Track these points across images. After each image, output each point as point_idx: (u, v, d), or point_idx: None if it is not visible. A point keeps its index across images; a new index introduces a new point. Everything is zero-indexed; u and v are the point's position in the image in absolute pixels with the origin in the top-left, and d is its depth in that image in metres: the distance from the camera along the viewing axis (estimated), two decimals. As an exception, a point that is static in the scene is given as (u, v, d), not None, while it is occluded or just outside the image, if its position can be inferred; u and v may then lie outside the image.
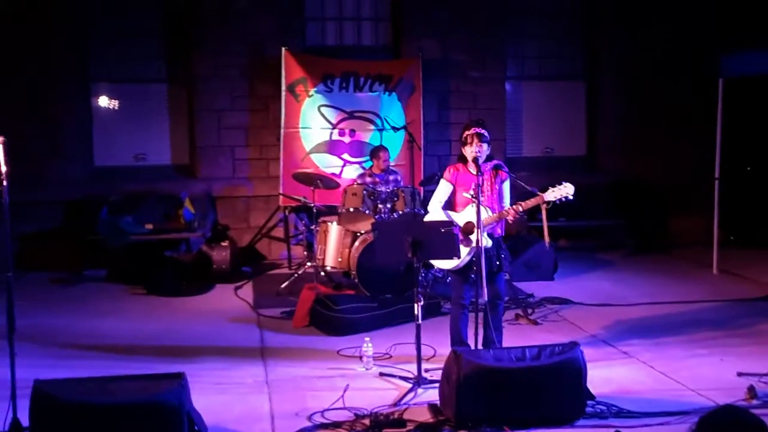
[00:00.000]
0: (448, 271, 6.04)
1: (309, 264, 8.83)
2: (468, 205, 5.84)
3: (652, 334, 6.89)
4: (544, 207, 5.79)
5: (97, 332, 7.17)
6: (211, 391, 5.48)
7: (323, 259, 8.43)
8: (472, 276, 5.77)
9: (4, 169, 4.65)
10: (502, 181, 5.95)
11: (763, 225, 10.79)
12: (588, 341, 6.65)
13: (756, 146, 11.37)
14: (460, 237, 5.73)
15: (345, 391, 5.34)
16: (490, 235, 5.80)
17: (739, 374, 5.69)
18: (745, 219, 11.13)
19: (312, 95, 10.15)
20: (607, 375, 5.75)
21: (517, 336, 6.76)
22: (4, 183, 4.64)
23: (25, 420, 4.48)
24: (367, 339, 6.12)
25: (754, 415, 2.86)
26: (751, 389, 5.30)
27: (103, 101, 10.56)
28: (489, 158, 5.95)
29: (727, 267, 9.50)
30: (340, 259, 8.33)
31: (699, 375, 5.79)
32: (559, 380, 4.86)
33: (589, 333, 6.99)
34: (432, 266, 6.63)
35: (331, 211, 9.07)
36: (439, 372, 5.19)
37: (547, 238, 5.92)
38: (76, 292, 8.79)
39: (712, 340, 6.71)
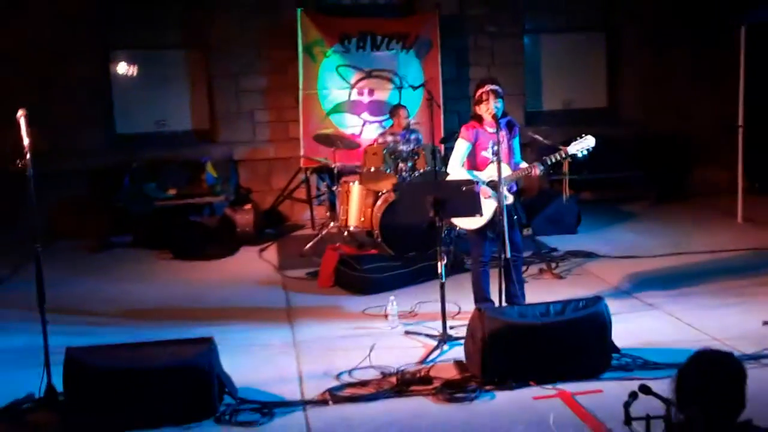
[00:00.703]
0: (468, 230, 6.04)
1: (332, 224, 8.87)
2: (488, 163, 5.82)
3: (677, 285, 6.89)
4: (566, 161, 5.79)
5: (126, 298, 7.28)
6: (240, 354, 5.56)
7: (346, 219, 8.47)
8: (490, 233, 5.80)
9: (26, 141, 4.68)
10: (514, 137, 5.94)
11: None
12: (612, 294, 6.67)
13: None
14: (488, 193, 5.73)
15: (371, 349, 5.40)
16: (508, 191, 5.80)
17: (765, 323, 5.68)
18: (769, 166, 11.01)
19: (329, 56, 10.11)
20: (632, 327, 5.76)
21: (541, 290, 6.78)
22: (27, 156, 4.68)
23: (59, 386, 4.59)
24: (392, 298, 6.18)
25: (730, 355, 2.85)
26: (776, 337, 5.31)
27: (122, 68, 10.58)
28: (504, 114, 5.92)
29: (751, 215, 9.42)
30: (362, 219, 8.37)
31: (725, 325, 5.79)
32: (584, 335, 4.88)
33: (613, 285, 7.00)
34: (454, 225, 6.62)
35: (352, 171, 9.08)
36: (464, 329, 5.22)
37: (566, 193, 5.92)
38: (103, 259, 8.90)
39: (737, 289, 6.69)
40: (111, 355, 4.43)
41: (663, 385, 4.55)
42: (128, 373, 4.36)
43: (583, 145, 5.76)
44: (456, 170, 5.98)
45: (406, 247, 7.74)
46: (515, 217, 5.89)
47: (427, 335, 5.76)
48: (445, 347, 5.51)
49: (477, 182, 5.66)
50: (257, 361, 5.50)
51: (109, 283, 7.81)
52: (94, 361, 4.39)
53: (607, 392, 4.69)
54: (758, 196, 10.35)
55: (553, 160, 5.82)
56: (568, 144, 5.85)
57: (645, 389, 4.00)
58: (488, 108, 5.78)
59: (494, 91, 5.79)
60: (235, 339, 5.88)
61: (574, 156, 5.86)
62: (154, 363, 4.38)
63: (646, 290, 6.75)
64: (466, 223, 6.00)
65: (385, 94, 10.28)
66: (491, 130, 5.79)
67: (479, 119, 5.92)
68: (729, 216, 9.53)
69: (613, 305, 5.71)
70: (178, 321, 6.43)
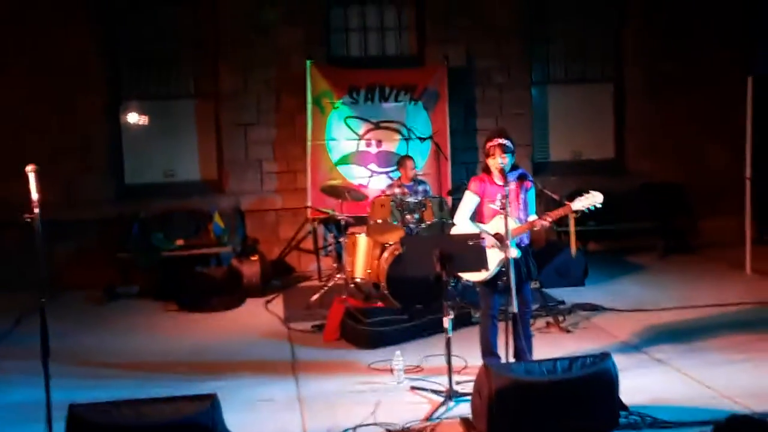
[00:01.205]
0: (476, 282, 6.02)
1: (338, 276, 8.86)
2: (495, 216, 5.83)
3: (686, 339, 6.84)
4: (572, 216, 5.78)
5: (131, 350, 7.26)
6: (244, 409, 5.52)
7: (352, 271, 8.45)
8: (500, 285, 5.78)
9: (36, 196, 4.70)
10: (527, 190, 5.93)
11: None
12: (620, 348, 6.61)
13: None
14: (493, 244, 5.72)
15: (376, 406, 5.34)
16: (517, 245, 5.78)
17: (775, 380, 5.62)
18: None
19: (338, 107, 10.19)
20: (640, 383, 5.70)
21: (548, 344, 6.73)
22: (36, 210, 4.70)
23: (61, 443, 4.55)
24: (397, 352, 6.13)
25: (762, 421, 2.82)
26: (787, 396, 5.24)
27: (133, 118, 10.66)
28: (514, 167, 5.93)
29: (760, 267, 9.39)
30: (369, 271, 8.35)
31: (734, 382, 5.72)
32: (592, 392, 4.83)
33: (621, 340, 6.94)
34: (461, 276, 6.59)
35: (359, 222, 9.10)
36: (471, 384, 5.18)
37: (573, 248, 5.93)
38: (109, 310, 8.89)
39: (746, 344, 6.63)
40: (113, 413, 4.38)
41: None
42: (131, 430, 4.32)
43: (589, 202, 5.73)
44: (463, 222, 5.98)
45: (412, 299, 7.71)
46: (525, 270, 5.87)
47: (433, 391, 5.71)
48: (451, 403, 5.45)
49: (483, 237, 5.65)
50: (261, 416, 5.45)
51: (114, 336, 7.79)
52: (96, 419, 4.35)
53: (615, 452, 4.64)
54: (766, 247, 10.32)
55: (557, 217, 5.79)
56: (573, 198, 5.83)
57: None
58: (495, 162, 5.80)
59: (502, 146, 5.80)
60: (240, 394, 5.85)
61: (579, 211, 5.83)
62: (157, 420, 4.34)
63: (654, 345, 6.70)
64: (471, 276, 5.98)
65: (393, 145, 10.33)
66: (499, 183, 5.80)
67: (489, 171, 5.93)
68: (737, 268, 9.49)
69: (620, 361, 5.66)
70: (183, 375, 6.40)
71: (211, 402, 4.46)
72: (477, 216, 6.00)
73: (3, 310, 8.41)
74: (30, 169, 4.74)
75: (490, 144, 5.83)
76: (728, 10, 11.17)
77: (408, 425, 5.06)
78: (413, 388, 5.87)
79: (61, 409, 4.55)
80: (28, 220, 4.77)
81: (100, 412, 4.41)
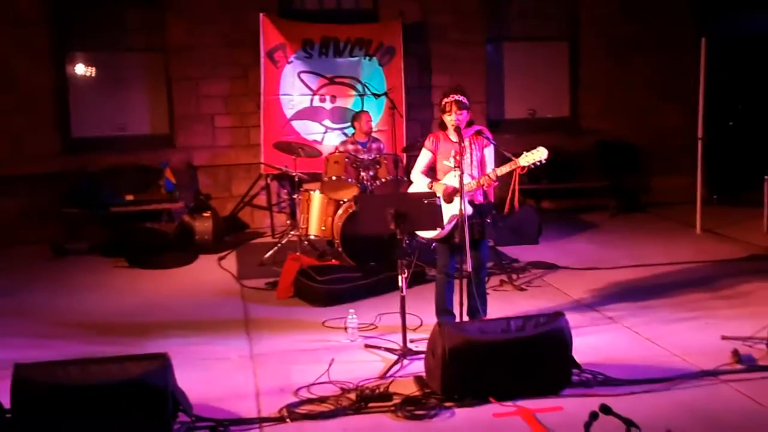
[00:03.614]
0: (431, 239, 5.99)
1: (292, 233, 8.77)
2: (449, 172, 5.78)
3: (637, 297, 6.90)
4: (517, 172, 5.74)
5: (80, 308, 7.10)
6: (196, 368, 5.44)
7: (306, 228, 8.37)
8: (456, 243, 5.75)
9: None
10: (484, 148, 5.87)
11: (746, 183, 10.79)
12: (573, 307, 6.66)
13: (738, 105, 11.42)
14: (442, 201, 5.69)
15: (330, 364, 5.30)
16: (470, 203, 5.74)
17: (723, 338, 5.69)
18: (727, 178, 11.15)
19: (292, 61, 10.00)
20: (592, 342, 5.75)
21: (502, 303, 6.75)
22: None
23: (7, 402, 4.43)
24: (351, 310, 6.08)
25: None
26: (735, 353, 5.32)
27: (80, 71, 10.36)
28: (469, 123, 5.86)
29: (710, 226, 9.53)
30: (323, 228, 8.28)
31: (684, 340, 5.79)
32: (545, 351, 4.85)
33: (574, 298, 6.98)
34: (416, 234, 6.54)
35: (313, 178, 8.99)
36: (425, 342, 5.16)
37: (508, 206, 5.86)
38: (57, 267, 8.68)
39: (696, 302, 6.73)
40: (60, 372, 4.27)
41: (622, 403, 4.60)
42: (78, 390, 4.22)
43: (534, 158, 5.68)
44: (417, 179, 5.93)
45: (367, 257, 7.68)
46: (479, 228, 5.83)
47: (387, 349, 5.69)
48: (406, 362, 5.44)
49: (438, 196, 5.60)
50: (214, 375, 5.38)
51: (63, 293, 7.60)
52: (42, 378, 4.24)
53: (567, 409, 4.65)
54: (716, 207, 10.50)
55: (504, 172, 5.75)
56: (520, 155, 5.78)
57: (605, 409, 3.99)
58: (451, 118, 5.74)
59: (458, 102, 5.74)
60: (192, 352, 5.76)
61: (525, 167, 5.77)
62: (105, 380, 4.24)
63: (606, 303, 6.75)
64: (425, 233, 5.94)
65: (347, 101, 10.20)
66: (454, 139, 5.74)
67: (444, 127, 5.87)
68: (688, 227, 9.60)
69: (573, 319, 5.71)
70: (133, 334, 6.28)
71: (162, 361, 4.37)
72: (432, 174, 5.94)
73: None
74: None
75: (446, 100, 5.76)
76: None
77: (362, 383, 5.02)
78: (367, 346, 5.85)
79: (7, 368, 4.42)
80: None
81: (46, 371, 4.30)
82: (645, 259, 8.21)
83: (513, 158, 5.72)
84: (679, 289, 7.09)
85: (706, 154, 9.48)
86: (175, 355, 5.13)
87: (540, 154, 5.67)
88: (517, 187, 5.81)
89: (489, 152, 5.90)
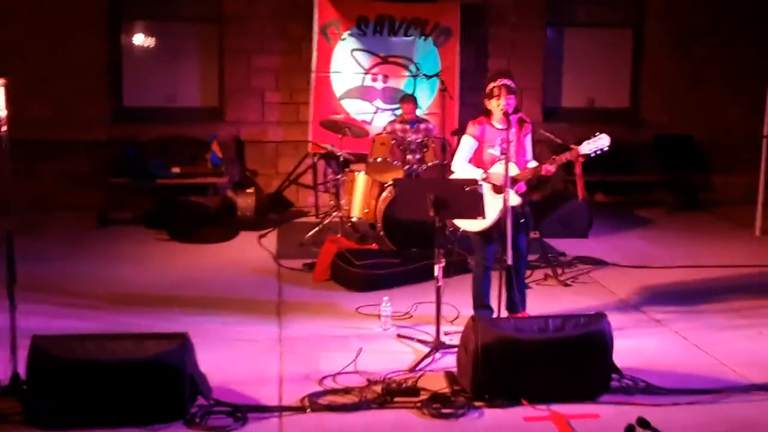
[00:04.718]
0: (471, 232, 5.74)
1: (335, 214, 8.60)
2: (495, 162, 5.52)
3: (688, 300, 6.56)
4: (579, 161, 5.49)
5: (115, 279, 7.03)
6: (222, 348, 5.32)
7: (349, 210, 8.20)
8: (495, 234, 5.52)
9: (3, 113, 4.41)
10: (526, 135, 5.63)
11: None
12: (619, 307, 6.37)
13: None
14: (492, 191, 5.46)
15: (358, 354, 5.11)
16: (515, 192, 5.48)
17: (778, 350, 5.36)
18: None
19: (345, 38, 9.79)
20: (636, 345, 5.45)
21: (544, 298, 6.49)
22: (3, 128, 4.40)
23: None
24: (385, 298, 5.88)
25: None
26: (790, 368, 4.99)
27: (133, 40, 10.31)
28: (516, 110, 5.61)
29: (770, 229, 9.10)
30: (366, 210, 8.10)
31: (736, 349, 5.46)
32: (583, 354, 4.58)
33: (620, 297, 6.67)
34: (458, 226, 6.30)
35: (360, 159, 8.79)
36: (459, 337, 4.94)
37: (581, 193, 5.66)
38: (99, 236, 8.66)
39: (752, 310, 6.34)
40: (77, 346, 4.16)
41: (663, 414, 4.33)
42: (93, 366, 4.10)
43: (596, 145, 5.43)
44: (461, 167, 5.68)
45: (409, 242, 7.46)
46: (522, 220, 5.59)
47: (420, 341, 5.48)
48: (438, 355, 5.22)
49: (481, 183, 5.36)
50: (239, 357, 5.24)
51: (100, 263, 7.54)
52: (59, 351, 4.13)
53: (603, 417, 4.39)
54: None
55: (564, 161, 5.51)
56: (581, 143, 5.52)
57: (643, 423, 3.74)
58: (499, 104, 5.49)
59: (507, 87, 5.48)
60: (220, 331, 5.66)
61: (586, 156, 5.52)
62: (121, 357, 4.11)
63: (654, 305, 6.42)
64: (468, 225, 5.70)
65: (400, 81, 9.95)
66: (500, 126, 5.49)
67: (488, 114, 5.62)
68: (747, 228, 9.17)
69: (618, 319, 5.46)
70: (164, 309, 6.18)
71: (181, 342, 4.23)
72: (475, 162, 5.68)
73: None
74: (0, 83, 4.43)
75: (493, 84, 5.50)
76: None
77: (390, 375, 4.83)
78: (399, 336, 5.65)
79: (29, 338, 4.32)
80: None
81: (63, 344, 4.19)
82: (700, 260, 7.84)
83: (573, 146, 5.45)
84: (734, 295, 6.73)
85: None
86: (203, 334, 5.12)
87: (602, 141, 5.40)
88: (581, 175, 5.56)
89: (529, 139, 5.65)
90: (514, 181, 5.38)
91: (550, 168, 5.47)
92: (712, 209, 10.42)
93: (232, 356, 5.23)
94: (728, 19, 10.76)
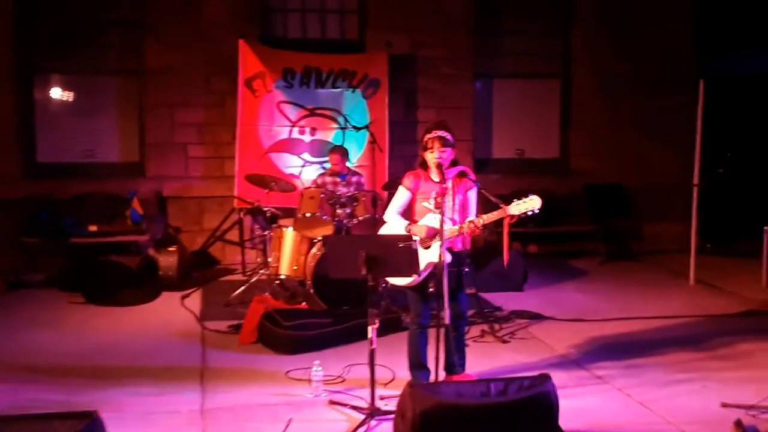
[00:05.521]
0: (404, 286, 5.47)
1: (262, 271, 8.24)
2: (427, 215, 5.29)
3: (628, 354, 6.37)
4: (507, 221, 5.26)
5: (26, 347, 6.54)
6: (139, 423, 4.91)
7: (278, 267, 7.86)
8: (431, 290, 5.25)
9: None
10: (467, 190, 5.39)
11: (740, 232, 10.36)
12: (559, 363, 6.15)
13: (730, 149, 11.09)
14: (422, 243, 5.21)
15: (287, 425, 4.75)
16: (448, 250, 5.23)
17: (724, 405, 5.18)
18: (720, 226, 10.73)
19: (271, 90, 9.53)
20: (580, 405, 5.22)
21: (482, 356, 6.23)
22: None
23: None
24: (316, 362, 5.54)
25: None
26: (738, 424, 4.77)
27: (48, 93, 9.86)
28: (453, 163, 5.40)
29: (704, 277, 9.06)
30: (295, 267, 7.78)
31: (679, 405, 5.27)
32: (528, 418, 4.31)
33: (560, 353, 6.45)
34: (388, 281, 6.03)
35: (288, 214, 8.47)
36: (397, 400, 4.62)
37: (505, 256, 5.41)
38: (7, 300, 8.12)
39: (691, 362, 6.20)
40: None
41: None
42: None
43: (526, 206, 5.20)
44: (392, 219, 5.44)
45: (341, 300, 7.16)
46: (458, 278, 5.35)
47: (354, 407, 5.14)
48: (373, 422, 4.89)
49: (415, 239, 5.10)
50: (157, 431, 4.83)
51: (9, 329, 7.03)
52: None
53: (551, 487, 4.13)
54: (710, 257, 10.06)
55: (492, 221, 5.28)
56: (510, 202, 5.29)
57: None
58: (433, 156, 5.28)
59: (441, 138, 5.27)
60: (139, 403, 5.25)
61: (515, 217, 5.29)
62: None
63: (594, 360, 6.21)
64: (400, 280, 5.43)
65: (328, 133, 9.73)
66: (436, 179, 5.27)
67: (425, 166, 5.40)
68: (681, 277, 9.13)
69: (559, 377, 5.24)
70: (78, 377, 5.74)
71: (90, 421, 3.82)
72: (409, 215, 5.45)
73: None
74: None
75: (428, 136, 5.29)
76: (679, 13, 10.88)
77: (322, 448, 4.49)
78: (332, 402, 5.30)
79: None
80: None
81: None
82: (636, 311, 7.71)
83: (502, 205, 5.22)
84: (673, 347, 6.58)
85: (700, 202, 9.03)
86: (122, 407, 4.83)
87: (533, 203, 5.18)
88: (507, 237, 5.32)
89: (472, 195, 5.42)
90: (439, 235, 5.09)
91: (474, 227, 5.23)
92: (645, 258, 10.39)
93: (150, 430, 4.80)
94: (649, 65, 10.88)
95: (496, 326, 7.07)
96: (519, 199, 5.20)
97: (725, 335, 6.91)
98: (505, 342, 6.77)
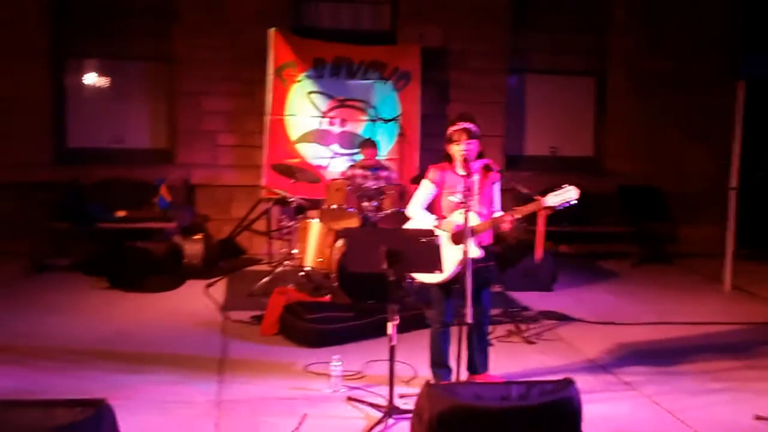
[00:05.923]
0: (428, 284, 5.33)
1: (287, 262, 8.14)
2: (455, 210, 5.14)
3: (658, 361, 6.17)
4: (543, 213, 5.09)
5: (46, 332, 6.49)
6: (154, 411, 4.83)
7: (303, 259, 7.75)
8: (454, 289, 5.10)
9: None
10: (493, 183, 5.24)
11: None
12: (586, 367, 5.96)
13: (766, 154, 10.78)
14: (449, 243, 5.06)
15: (302, 421, 4.64)
16: (477, 244, 5.08)
17: (757, 417, 4.98)
18: (759, 231, 10.43)
19: (301, 80, 9.41)
20: (606, 411, 5.05)
21: (507, 356, 6.07)
22: None
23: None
24: (336, 357, 5.42)
25: None
26: (770, 438, 4.61)
27: (80, 79, 9.84)
28: (479, 155, 5.24)
29: (740, 283, 8.78)
30: (320, 259, 7.66)
31: (710, 415, 5.07)
32: (550, 424, 4.14)
33: (588, 357, 6.26)
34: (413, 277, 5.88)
35: (315, 205, 8.37)
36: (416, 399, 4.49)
37: (538, 253, 5.25)
38: (32, 284, 8.11)
39: (725, 371, 5.98)
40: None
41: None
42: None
43: (563, 197, 5.04)
44: (415, 214, 5.30)
45: (366, 294, 7.02)
46: (486, 274, 5.19)
47: (372, 404, 5.01)
48: (390, 421, 4.76)
49: (438, 234, 4.95)
50: (170, 421, 4.74)
51: (33, 313, 7.01)
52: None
53: (572, 495, 3.97)
54: (746, 262, 9.76)
55: (526, 213, 5.12)
56: (546, 193, 5.14)
57: None
58: (458, 149, 5.13)
59: (466, 131, 5.13)
60: (154, 391, 5.18)
61: (552, 209, 5.13)
62: (23, 429, 3.59)
63: (623, 365, 6.02)
64: (424, 277, 5.28)
65: (358, 125, 9.59)
66: (462, 172, 5.12)
67: (450, 159, 5.25)
68: (716, 282, 8.88)
69: (586, 381, 5.09)
70: (95, 364, 5.68)
71: (97, 410, 3.72)
72: (434, 210, 5.30)
73: None
74: None
75: (453, 128, 5.15)
76: (719, 11, 10.59)
77: (337, 445, 4.37)
78: (350, 398, 5.18)
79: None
80: None
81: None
82: (668, 316, 7.48)
83: (537, 197, 5.06)
84: (706, 354, 6.36)
85: (738, 205, 8.76)
86: (137, 394, 4.70)
87: (570, 194, 5.01)
88: (542, 231, 5.15)
89: (497, 188, 5.27)
90: (473, 231, 4.97)
91: (511, 220, 5.07)
92: (679, 261, 10.13)
93: (163, 421, 4.72)
94: (687, 64, 10.61)
95: (523, 326, 6.91)
96: (554, 190, 5.03)
97: (761, 345, 6.69)
98: (531, 343, 6.60)
